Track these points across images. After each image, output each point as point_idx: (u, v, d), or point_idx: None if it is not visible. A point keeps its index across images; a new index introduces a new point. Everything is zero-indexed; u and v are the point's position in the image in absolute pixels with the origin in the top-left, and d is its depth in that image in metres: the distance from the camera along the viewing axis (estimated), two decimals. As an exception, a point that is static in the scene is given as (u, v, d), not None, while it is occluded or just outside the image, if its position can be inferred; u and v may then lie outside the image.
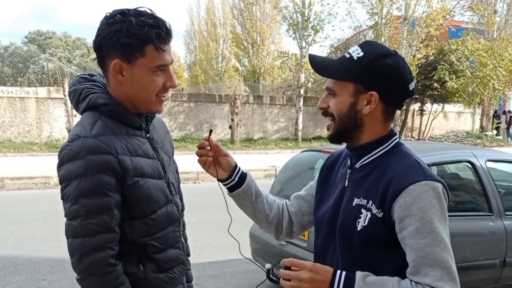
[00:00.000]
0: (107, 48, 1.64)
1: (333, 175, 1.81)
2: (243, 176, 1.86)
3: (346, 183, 1.69)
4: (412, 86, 1.63)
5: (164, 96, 1.75)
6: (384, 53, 1.60)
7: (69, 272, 5.31)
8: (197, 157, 1.83)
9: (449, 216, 4.42)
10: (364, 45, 1.64)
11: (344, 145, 1.78)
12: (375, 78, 1.58)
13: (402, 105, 1.70)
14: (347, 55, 1.63)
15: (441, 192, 1.52)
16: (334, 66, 1.63)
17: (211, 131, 1.84)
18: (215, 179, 1.87)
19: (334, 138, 1.68)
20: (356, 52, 1.61)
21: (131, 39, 1.61)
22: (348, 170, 1.71)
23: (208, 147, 1.81)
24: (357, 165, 1.67)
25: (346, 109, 1.61)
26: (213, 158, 1.82)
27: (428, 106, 23.80)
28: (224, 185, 1.87)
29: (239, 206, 1.90)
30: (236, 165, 1.86)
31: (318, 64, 1.67)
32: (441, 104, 23.13)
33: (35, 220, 7.71)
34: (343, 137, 1.67)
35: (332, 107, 1.64)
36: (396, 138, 1.67)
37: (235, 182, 1.85)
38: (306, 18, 21.80)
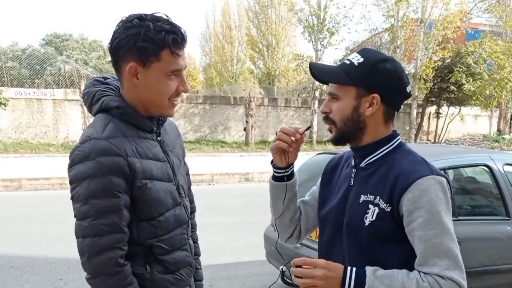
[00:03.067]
0: (124, 51, 1.66)
1: (336, 177, 1.88)
2: (293, 173, 1.88)
3: (352, 182, 1.75)
4: (409, 89, 1.72)
5: (176, 101, 1.77)
6: (383, 58, 1.69)
7: (84, 273, 5.35)
8: (276, 138, 1.79)
9: (466, 220, 4.35)
10: (363, 52, 1.72)
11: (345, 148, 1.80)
12: (376, 81, 1.66)
13: (401, 107, 1.77)
14: (347, 62, 1.71)
15: (446, 186, 1.59)
16: (336, 71, 1.71)
17: (309, 128, 1.88)
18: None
19: (337, 140, 1.74)
20: (356, 58, 1.69)
21: (148, 43, 1.64)
22: (353, 170, 1.77)
23: (293, 138, 1.77)
24: (362, 164, 1.74)
25: (349, 113, 1.68)
26: (288, 147, 1.78)
27: (444, 109, 23.61)
28: (278, 173, 1.86)
29: (274, 199, 1.90)
30: (293, 162, 1.87)
31: (320, 70, 1.75)
32: (458, 107, 22.94)
33: (51, 220, 7.79)
34: (346, 138, 1.73)
35: (334, 111, 1.70)
36: (399, 138, 1.75)
37: (288, 174, 1.85)
38: (321, 21, 21.76)
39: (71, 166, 1.65)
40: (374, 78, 1.65)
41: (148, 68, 1.67)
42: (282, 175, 1.85)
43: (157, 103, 1.74)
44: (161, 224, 1.75)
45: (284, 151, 1.80)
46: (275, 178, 1.88)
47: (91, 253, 1.63)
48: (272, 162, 1.85)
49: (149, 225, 1.73)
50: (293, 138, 1.76)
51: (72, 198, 1.66)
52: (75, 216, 1.66)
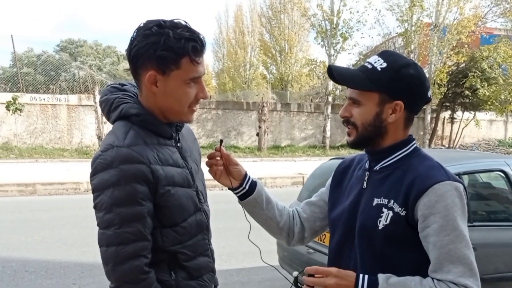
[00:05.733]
0: (143, 59, 1.64)
1: (346, 180, 1.86)
2: (253, 184, 1.90)
3: (365, 184, 1.73)
4: (430, 93, 1.70)
5: (195, 107, 1.76)
6: (406, 63, 1.65)
7: (98, 277, 5.40)
8: (208, 168, 1.87)
9: (482, 226, 4.30)
10: (385, 55, 1.68)
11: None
12: (400, 88, 1.63)
13: (420, 110, 1.76)
14: (369, 66, 1.67)
15: (462, 192, 1.57)
16: (358, 76, 1.67)
17: (221, 141, 1.88)
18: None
19: (355, 144, 1.72)
20: (378, 62, 1.66)
21: (168, 52, 1.61)
22: (367, 173, 1.75)
23: (218, 158, 1.85)
24: (377, 167, 1.72)
25: (371, 118, 1.65)
26: (224, 167, 1.86)
27: (459, 114, 23.42)
28: (235, 193, 1.91)
29: (250, 214, 1.94)
30: (246, 174, 1.90)
31: (340, 74, 1.70)
32: (473, 112, 22.73)
33: (65, 225, 7.84)
34: (365, 143, 1.71)
35: (356, 117, 1.67)
36: (415, 143, 1.73)
37: (246, 190, 1.89)
38: (334, 26, 21.71)
39: (93, 175, 1.64)
40: (398, 85, 1.62)
41: (167, 76, 1.65)
42: (242, 192, 1.89)
43: (176, 111, 1.73)
44: (184, 230, 1.75)
45: (226, 173, 1.86)
46: (240, 198, 1.91)
47: (116, 262, 1.61)
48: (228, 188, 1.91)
49: (172, 231, 1.72)
50: (217, 158, 1.85)
51: (95, 207, 1.65)
52: (98, 224, 1.65)
